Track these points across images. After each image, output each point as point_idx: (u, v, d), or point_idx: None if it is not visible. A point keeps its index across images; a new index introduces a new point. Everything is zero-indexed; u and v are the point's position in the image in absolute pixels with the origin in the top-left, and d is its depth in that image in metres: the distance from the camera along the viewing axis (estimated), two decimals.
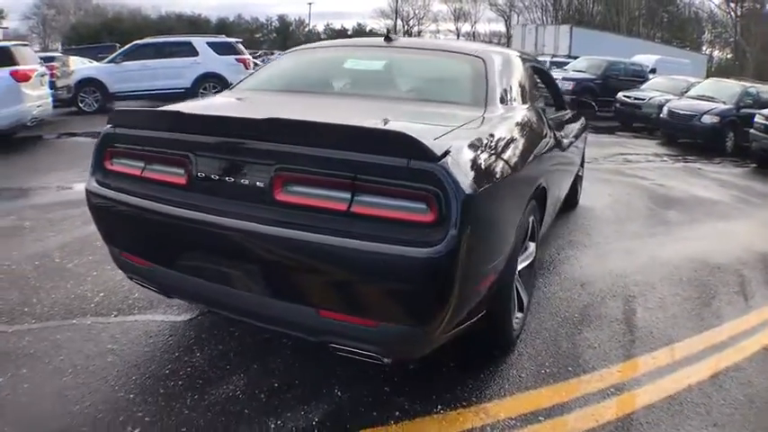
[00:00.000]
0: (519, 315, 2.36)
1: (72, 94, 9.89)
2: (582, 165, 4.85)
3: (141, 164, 1.90)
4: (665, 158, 8.45)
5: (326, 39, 59.99)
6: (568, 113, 3.82)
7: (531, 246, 2.47)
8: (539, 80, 3.49)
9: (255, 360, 2.13)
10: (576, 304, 2.87)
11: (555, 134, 2.90)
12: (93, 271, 2.88)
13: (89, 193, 2.00)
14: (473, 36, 57.93)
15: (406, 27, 63.65)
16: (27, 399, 1.86)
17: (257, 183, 1.67)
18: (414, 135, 1.55)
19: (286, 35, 62.59)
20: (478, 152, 1.78)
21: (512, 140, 2.12)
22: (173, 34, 14.71)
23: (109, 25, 43.44)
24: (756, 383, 2.24)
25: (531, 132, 2.43)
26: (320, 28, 67.43)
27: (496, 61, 2.62)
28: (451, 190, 1.53)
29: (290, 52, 3.19)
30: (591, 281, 3.18)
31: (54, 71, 8.93)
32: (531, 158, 2.26)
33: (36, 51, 9.57)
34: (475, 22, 57.35)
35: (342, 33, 67.78)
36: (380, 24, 57.01)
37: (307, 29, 65.45)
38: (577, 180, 4.60)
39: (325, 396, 1.95)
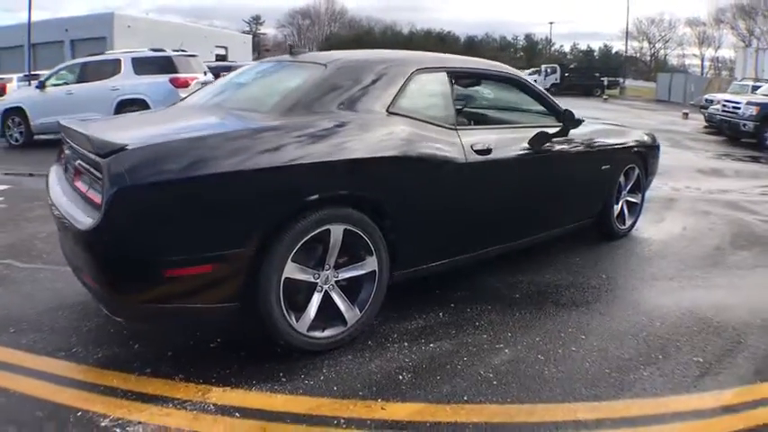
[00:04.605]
0: (339, 328, 2.47)
1: None
2: (635, 191, 4.40)
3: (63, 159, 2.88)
4: None
5: (571, 59, 58.67)
6: (555, 129, 3.34)
7: (370, 259, 2.53)
8: (502, 90, 3.81)
9: None
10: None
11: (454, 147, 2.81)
12: None
13: (46, 178, 2.95)
14: (716, 62, 53.13)
15: (652, 50, 59.31)
16: None
17: (73, 173, 2.52)
18: (93, 134, 2.19)
19: (531, 54, 63.10)
20: (176, 153, 2.14)
21: (278, 146, 2.29)
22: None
23: (360, 38, 48.30)
24: None
25: (351, 140, 2.48)
26: (567, 48, 67.15)
27: (344, 69, 2.75)
28: (106, 180, 2.04)
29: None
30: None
31: None
32: (320, 164, 2.33)
33: None
34: (718, 47, 53.25)
35: (588, 54, 64.71)
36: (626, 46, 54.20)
37: (552, 48, 63.57)
38: (612, 206, 4.13)
39: (165, 349, 2.46)
